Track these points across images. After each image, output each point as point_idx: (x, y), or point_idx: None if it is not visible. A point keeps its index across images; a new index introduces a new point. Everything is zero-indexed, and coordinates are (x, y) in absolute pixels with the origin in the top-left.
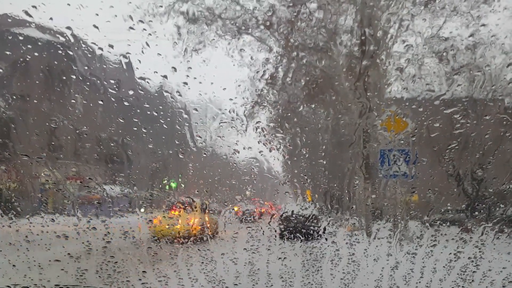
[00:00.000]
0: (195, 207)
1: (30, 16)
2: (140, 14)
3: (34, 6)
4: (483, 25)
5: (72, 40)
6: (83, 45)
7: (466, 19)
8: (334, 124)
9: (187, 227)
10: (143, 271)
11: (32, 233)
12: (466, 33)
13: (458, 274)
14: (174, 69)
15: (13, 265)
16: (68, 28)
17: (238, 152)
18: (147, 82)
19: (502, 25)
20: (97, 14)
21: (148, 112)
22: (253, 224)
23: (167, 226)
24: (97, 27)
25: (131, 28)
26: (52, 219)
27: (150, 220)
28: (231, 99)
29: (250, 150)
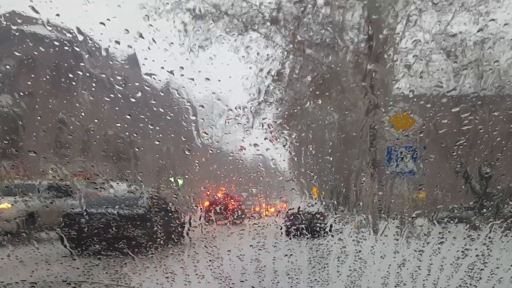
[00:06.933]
0: None
1: (37, 12)
2: (147, 11)
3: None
4: (492, 20)
5: (79, 37)
6: (90, 42)
7: (474, 15)
8: (340, 120)
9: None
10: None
11: None
12: (474, 28)
13: (465, 271)
14: (181, 65)
15: (21, 261)
16: (75, 24)
17: (245, 149)
18: (154, 78)
19: (510, 20)
20: (103, 11)
21: (155, 109)
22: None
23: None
24: (103, 24)
25: (137, 24)
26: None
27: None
28: (237, 96)
29: (257, 146)
